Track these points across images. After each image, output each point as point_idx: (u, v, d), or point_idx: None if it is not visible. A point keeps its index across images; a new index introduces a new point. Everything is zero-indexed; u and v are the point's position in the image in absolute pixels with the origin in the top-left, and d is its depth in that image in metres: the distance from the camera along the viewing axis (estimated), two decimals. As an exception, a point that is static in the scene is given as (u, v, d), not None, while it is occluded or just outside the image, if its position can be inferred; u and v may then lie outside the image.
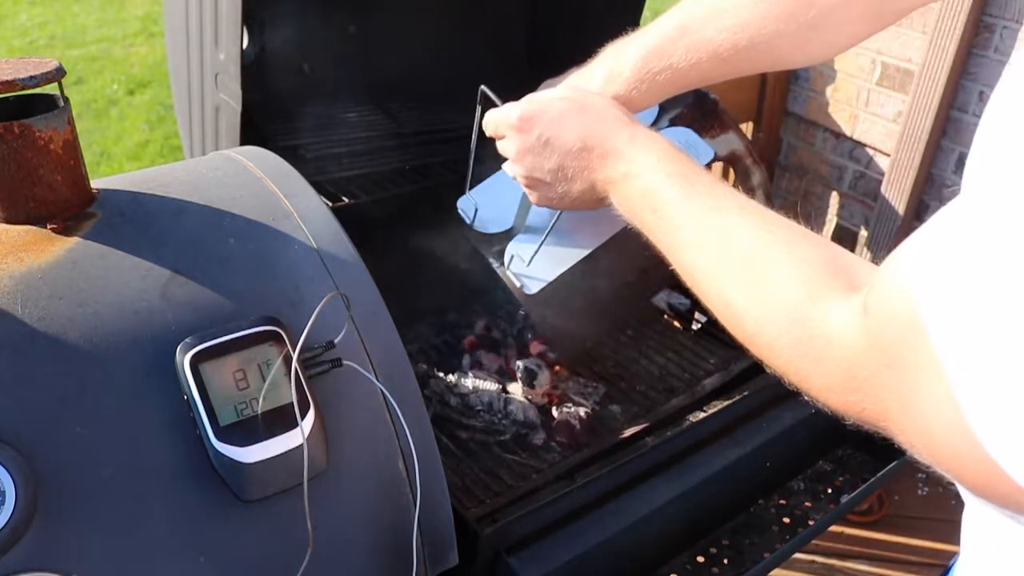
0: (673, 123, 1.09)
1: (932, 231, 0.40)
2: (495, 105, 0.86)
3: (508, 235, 1.00)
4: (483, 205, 1.00)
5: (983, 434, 0.36)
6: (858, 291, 0.47)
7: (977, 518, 0.52)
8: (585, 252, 0.97)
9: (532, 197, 0.84)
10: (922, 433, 0.41)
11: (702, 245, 0.61)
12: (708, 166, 0.98)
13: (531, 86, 0.90)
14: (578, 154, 0.75)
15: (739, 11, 0.75)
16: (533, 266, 0.95)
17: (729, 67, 0.78)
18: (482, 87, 0.89)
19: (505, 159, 0.86)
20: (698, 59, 0.77)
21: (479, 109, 0.90)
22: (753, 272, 0.56)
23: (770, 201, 1.86)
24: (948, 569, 0.64)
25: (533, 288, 0.95)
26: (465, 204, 1.01)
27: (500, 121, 0.82)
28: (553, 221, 0.93)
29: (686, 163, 0.68)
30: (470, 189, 1.02)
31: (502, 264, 0.98)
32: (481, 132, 0.89)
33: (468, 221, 1.00)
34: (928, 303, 0.38)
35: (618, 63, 0.81)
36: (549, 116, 0.77)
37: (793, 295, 0.52)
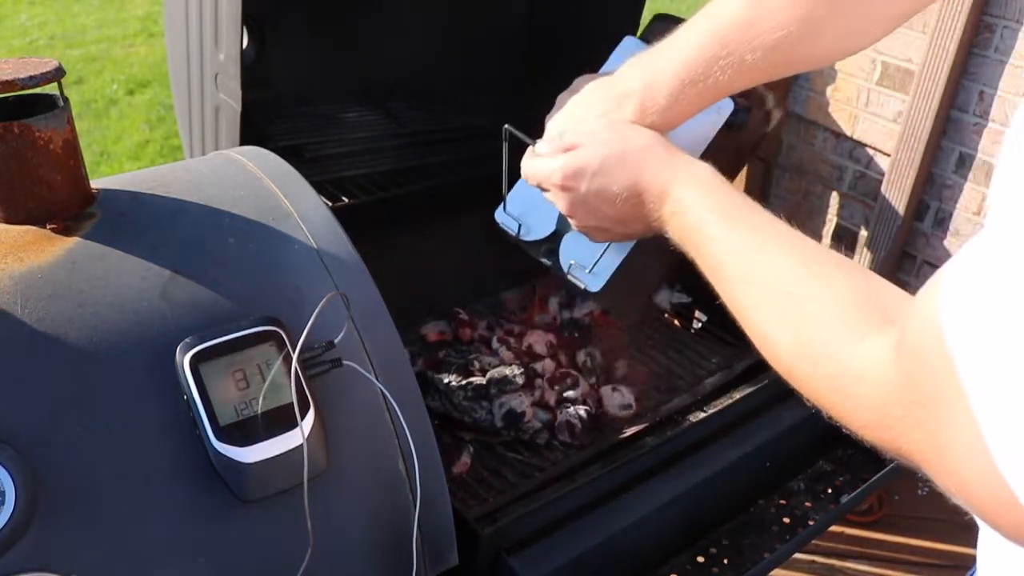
0: None
1: (961, 263, 0.39)
2: (522, 142, 0.87)
3: (554, 236, 1.01)
4: (522, 214, 1.01)
5: (1013, 480, 0.34)
6: (893, 325, 0.46)
7: (994, 541, 0.50)
8: (633, 240, 0.97)
9: (592, 238, 0.86)
10: (952, 475, 0.40)
11: (744, 281, 0.63)
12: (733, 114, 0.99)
13: (531, 85, 0.90)
14: (627, 201, 0.77)
15: (775, 28, 0.74)
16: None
17: (765, 77, 0.79)
18: (506, 127, 0.91)
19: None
20: (737, 76, 0.77)
21: (505, 146, 0.91)
22: (790, 308, 0.57)
23: (779, 145, 1.85)
24: None
25: (596, 286, 0.98)
26: (504, 218, 1.03)
27: (543, 179, 0.82)
28: None
29: (726, 195, 0.70)
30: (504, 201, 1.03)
31: (555, 264, 1.00)
32: (511, 165, 0.90)
33: (513, 234, 1.02)
34: (956, 339, 0.36)
35: (651, 95, 0.79)
36: (592, 170, 0.78)
37: (826, 331, 0.52)
